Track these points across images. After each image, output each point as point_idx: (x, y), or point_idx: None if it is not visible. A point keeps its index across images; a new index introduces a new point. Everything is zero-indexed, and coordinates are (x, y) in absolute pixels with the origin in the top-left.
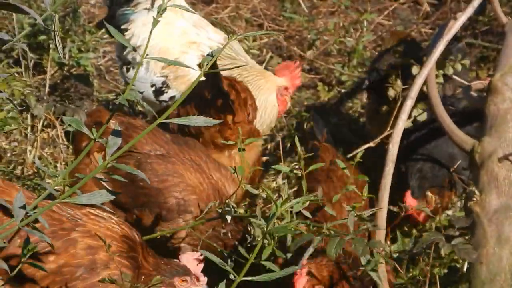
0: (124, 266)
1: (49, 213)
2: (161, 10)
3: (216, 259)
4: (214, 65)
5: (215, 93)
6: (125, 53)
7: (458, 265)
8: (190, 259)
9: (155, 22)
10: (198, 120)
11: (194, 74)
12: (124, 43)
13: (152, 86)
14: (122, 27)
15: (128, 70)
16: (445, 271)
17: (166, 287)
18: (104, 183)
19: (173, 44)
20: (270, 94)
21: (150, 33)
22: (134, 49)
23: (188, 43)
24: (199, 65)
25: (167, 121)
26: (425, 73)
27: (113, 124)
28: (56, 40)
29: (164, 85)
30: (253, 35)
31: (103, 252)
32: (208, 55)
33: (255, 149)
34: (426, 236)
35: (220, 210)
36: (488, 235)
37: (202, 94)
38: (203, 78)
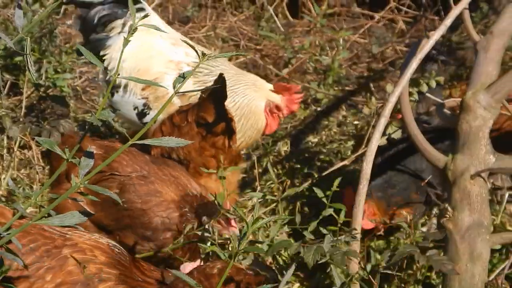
0: (114, 275)
1: (40, 232)
2: (132, 30)
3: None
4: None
5: (217, 118)
6: (107, 77)
7: (433, 282)
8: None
9: (126, 42)
10: (170, 141)
11: (176, 97)
12: (96, 63)
13: (134, 108)
14: (101, 53)
15: (112, 95)
16: None
17: None
18: (85, 206)
19: (152, 65)
20: (257, 102)
21: (121, 53)
22: (106, 68)
23: (167, 62)
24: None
25: (139, 142)
26: (398, 91)
27: (91, 148)
28: (29, 63)
29: (146, 107)
30: (224, 56)
31: (93, 264)
32: (180, 76)
33: (239, 172)
34: (401, 249)
35: (199, 232)
36: (461, 251)
37: (202, 117)
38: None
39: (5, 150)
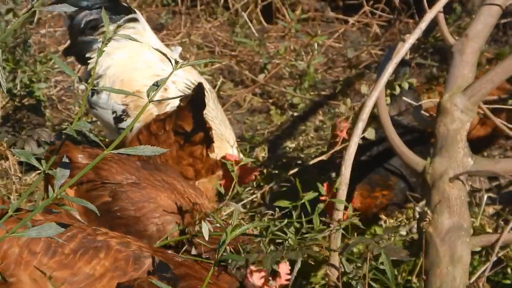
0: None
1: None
2: (106, 40)
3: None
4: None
5: (194, 127)
6: (89, 80)
7: (414, 286)
8: None
9: (100, 52)
10: (145, 150)
11: (152, 106)
12: (70, 73)
13: (113, 113)
14: (87, 55)
15: (92, 95)
16: None
17: None
18: (78, 217)
19: (137, 77)
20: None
21: (96, 63)
22: (80, 79)
23: (152, 76)
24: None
25: (115, 151)
26: (375, 95)
27: (80, 158)
28: (0, 74)
29: (124, 113)
30: (199, 63)
31: (132, 244)
32: (153, 84)
33: (216, 180)
34: (355, 239)
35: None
36: (441, 254)
37: (179, 126)
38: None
39: None
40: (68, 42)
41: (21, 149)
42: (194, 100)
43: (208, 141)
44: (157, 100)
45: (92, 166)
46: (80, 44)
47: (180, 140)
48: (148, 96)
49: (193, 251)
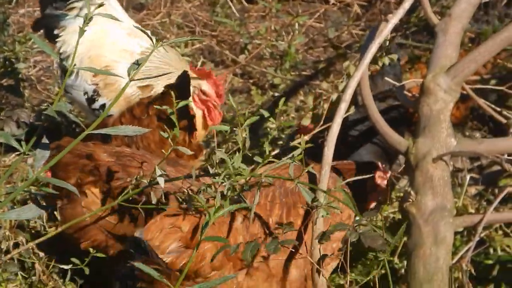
0: None
1: None
2: (87, 20)
3: (153, 273)
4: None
5: (178, 114)
6: (59, 60)
7: (395, 266)
8: None
9: (82, 31)
10: (127, 130)
11: (123, 82)
12: (50, 54)
13: (84, 94)
14: (55, 32)
15: (65, 77)
16: (383, 272)
17: None
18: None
19: (104, 52)
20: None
21: (77, 43)
22: (61, 59)
23: (120, 51)
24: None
25: (96, 131)
26: (358, 76)
27: (104, 156)
28: None
29: (95, 93)
30: (180, 41)
31: None
32: (134, 63)
33: (199, 164)
34: (332, 227)
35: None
36: (425, 235)
37: (163, 112)
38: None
39: None
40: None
41: (0, 130)
42: (179, 88)
43: (191, 128)
44: (138, 79)
45: (70, 147)
46: (48, 17)
47: (162, 126)
48: (128, 75)
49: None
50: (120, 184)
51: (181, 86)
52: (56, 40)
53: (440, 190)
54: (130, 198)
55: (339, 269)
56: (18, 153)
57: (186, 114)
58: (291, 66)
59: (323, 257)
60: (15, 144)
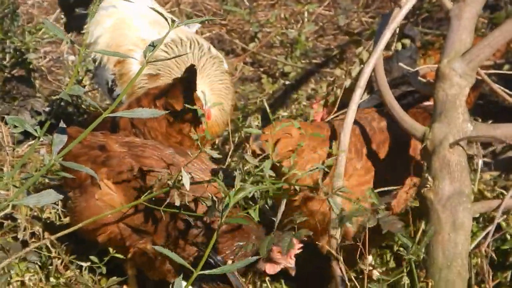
0: None
1: None
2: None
3: (172, 255)
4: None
5: (184, 107)
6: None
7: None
8: None
9: (92, 14)
10: (143, 112)
11: (135, 71)
12: (61, 37)
13: (106, 83)
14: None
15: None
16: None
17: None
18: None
19: (123, 42)
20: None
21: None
22: (72, 42)
23: (137, 40)
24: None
25: (112, 115)
26: (372, 62)
27: (116, 146)
28: None
29: (113, 83)
30: (193, 22)
31: None
32: (150, 45)
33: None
34: (350, 211)
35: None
36: (443, 221)
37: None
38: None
39: None
40: (64, 19)
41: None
42: (186, 82)
43: (197, 121)
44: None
45: (89, 130)
46: (78, 19)
47: (169, 117)
48: (145, 57)
49: (177, 201)
50: (133, 175)
51: (188, 79)
52: (81, 32)
53: (457, 175)
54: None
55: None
56: (30, 143)
57: (192, 108)
58: (301, 54)
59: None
60: (30, 129)
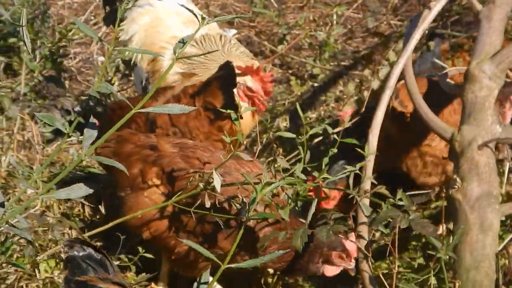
0: None
1: None
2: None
3: (200, 248)
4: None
5: (224, 104)
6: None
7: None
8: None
9: (121, 11)
10: (174, 108)
11: (166, 68)
12: (92, 35)
13: (141, 82)
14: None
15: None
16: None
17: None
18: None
19: (156, 40)
20: None
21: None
22: (100, 39)
23: (170, 38)
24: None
25: (143, 110)
26: (402, 63)
27: (167, 146)
28: (24, 35)
29: (147, 81)
30: (223, 19)
31: None
32: (179, 41)
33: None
34: (383, 213)
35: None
36: (471, 222)
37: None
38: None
39: (4, 132)
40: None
41: (46, 113)
42: (225, 78)
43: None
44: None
45: (116, 127)
46: (114, 13)
47: (210, 116)
48: (174, 53)
49: (207, 203)
50: (182, 175)
51: (227, 76)
52: (119, 29)
53: (486, 176)
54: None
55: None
56: (59, 142)
57: (231, 104)
58: (330, 56)
59: (371, 243)
60: (59, 126)
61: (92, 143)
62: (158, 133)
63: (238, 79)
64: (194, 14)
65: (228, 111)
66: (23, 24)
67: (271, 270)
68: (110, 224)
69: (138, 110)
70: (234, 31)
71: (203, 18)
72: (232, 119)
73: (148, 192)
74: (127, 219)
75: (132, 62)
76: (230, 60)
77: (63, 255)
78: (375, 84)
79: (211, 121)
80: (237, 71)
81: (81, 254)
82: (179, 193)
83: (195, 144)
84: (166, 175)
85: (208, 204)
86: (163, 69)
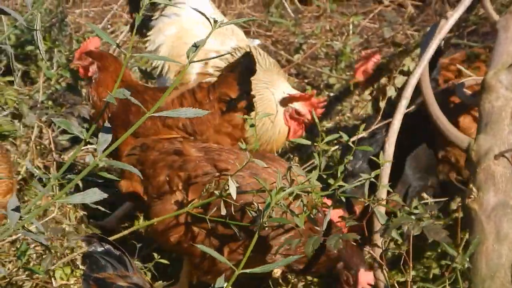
0: None
1: None
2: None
3: (214, 253)
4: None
5: (240, 94)
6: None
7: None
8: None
9: (138, 18)
10: (187, 112)
11: (194, 80)
12: (108, 40)
13: None
14: (147, 33)
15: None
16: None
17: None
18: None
19: (183, 51)
20: (273, 105)
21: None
22: (118, 46)
23: (200, 50)
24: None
25: (157, 114)
26: (419, 72)
27: (193, 151)
28: (38, 39)
29: None
30: (237, 22)
31: None
32: (192, 45)
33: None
34: (396, 220)
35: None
36: (487, 232)
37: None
38: None
39: (22, 139)
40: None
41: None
42: (244, 66)
43: (249, 109)
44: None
45: (133, 129)
46: (145, 22)
47: (223, 107)
48: (188, 57)
49: (223, 211)
50: (208, 179)
51: (246, 66)
52: (144, 40)
53: (502, 186)
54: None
55: (401, 264)
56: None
57: (248, 94)
58: (346, 66)
59: (385, 251)
60: (76, 132)
61: (106, 148)
62: (168, 124)
63: (288, 103)
64: (207, 18)
65: (245, 116)
66: (37, 28)
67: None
68: (129, 230)
69: (152, 114)
70: (257, 41)
71: (215, 21)
72: (249, 125)
73: (174, 198)
74: (152, 225)
75: (157, 73)
76: (248, 51)
77: (79, 263)
78: (391, 92)
79: (223, 113)
80: (288, 95)
81: (99, 250)
82: (192, 202)
83: (220, 147)
84: (192, 179)
85: (224, 211)
86: (192, 82)
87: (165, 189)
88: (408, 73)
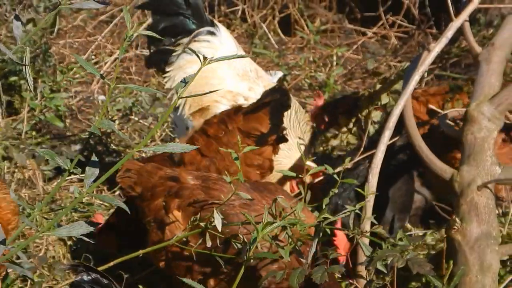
0: None
1: None
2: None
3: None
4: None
5: (271, 128)
6: (169, 95)
7: None
8: None
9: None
10: (175, 147)
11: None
12: (93, 72)
13: (186, 129)
14: (166, 68)
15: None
16: None
17: None
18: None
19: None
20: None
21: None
22: (102, 77)
23: (225, 92)
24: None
25: (145, 149)
26: (401, 104)
27: (189, 179)
28: (27, 74)
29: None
30: (228, 58)
31: None
32: (181, 81)
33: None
34: (381, 252)
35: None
36: (470, 263)
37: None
38: None
39: (5, 169)
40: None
41: (47, 149)
42: (278, 100)
43: (279, 140)
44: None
45: (118, 166)
46: (159, 53)
47: (250, 142)
48: (176, 92)
49: (208, 243)
50: (201, 206)
51: (279, 100)
52: (164, 76)
53: (485, 217)
54: None
55: None
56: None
57: (278, 127)
58: (330, 97)
59: (370, 282)
60: (60, 162)
61: (94, 181)
62: (187, 168)
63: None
64: (196, 54)
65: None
66: (26, 63)
67: None
68: (115, 261)
69: (140, 149)
70: (280, 73)
71: (204, 58)
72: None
73: (169, 223)
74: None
75: (178, 113)
76: (282, 85)
77: None
78: (371, 129)
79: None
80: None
81: (87, 279)
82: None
83: (220, 177)
84: (186, 206)
85: (209, 244)
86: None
87: (162, 214)
88: (384, 107)
